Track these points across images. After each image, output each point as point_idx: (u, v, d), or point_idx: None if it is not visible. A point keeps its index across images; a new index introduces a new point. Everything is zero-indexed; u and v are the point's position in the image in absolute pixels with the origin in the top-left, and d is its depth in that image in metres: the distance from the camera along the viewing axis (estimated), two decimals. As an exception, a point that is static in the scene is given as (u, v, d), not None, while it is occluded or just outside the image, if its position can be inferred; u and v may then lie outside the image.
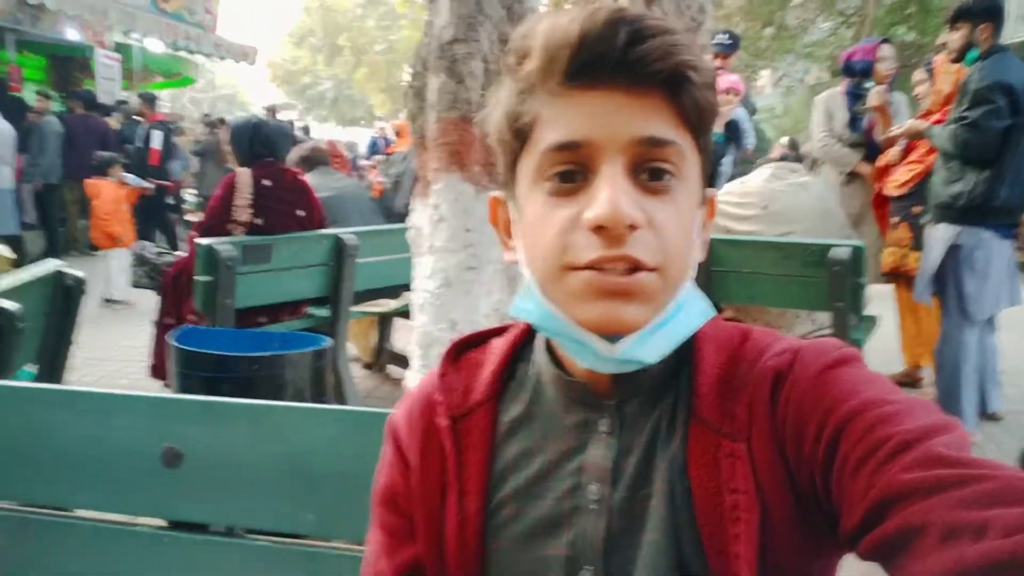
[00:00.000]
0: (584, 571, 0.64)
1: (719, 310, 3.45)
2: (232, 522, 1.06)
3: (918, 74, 3.95)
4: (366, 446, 1.01)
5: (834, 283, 2.97)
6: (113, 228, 6.14)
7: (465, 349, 0.77)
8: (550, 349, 0.71)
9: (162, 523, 1.08)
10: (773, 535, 0.60)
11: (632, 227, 0.58)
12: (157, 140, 8.65)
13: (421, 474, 0.71)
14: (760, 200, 3.40)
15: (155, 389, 3.65)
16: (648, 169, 0.60)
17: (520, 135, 0.64)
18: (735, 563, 0.59)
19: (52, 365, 2.26)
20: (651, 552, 0.62)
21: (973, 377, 3.28)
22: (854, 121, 4.21)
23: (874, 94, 3.99)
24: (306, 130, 8.14)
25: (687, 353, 0.66)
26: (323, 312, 3.59)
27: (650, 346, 0.61)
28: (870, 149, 4.16)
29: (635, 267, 0.58)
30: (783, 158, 4.49)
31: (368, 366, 4.51)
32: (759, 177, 3.53)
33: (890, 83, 4.16)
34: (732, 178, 4.58)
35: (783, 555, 0.60)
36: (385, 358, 4.45)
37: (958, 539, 0.47)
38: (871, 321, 3.62)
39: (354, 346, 4.41)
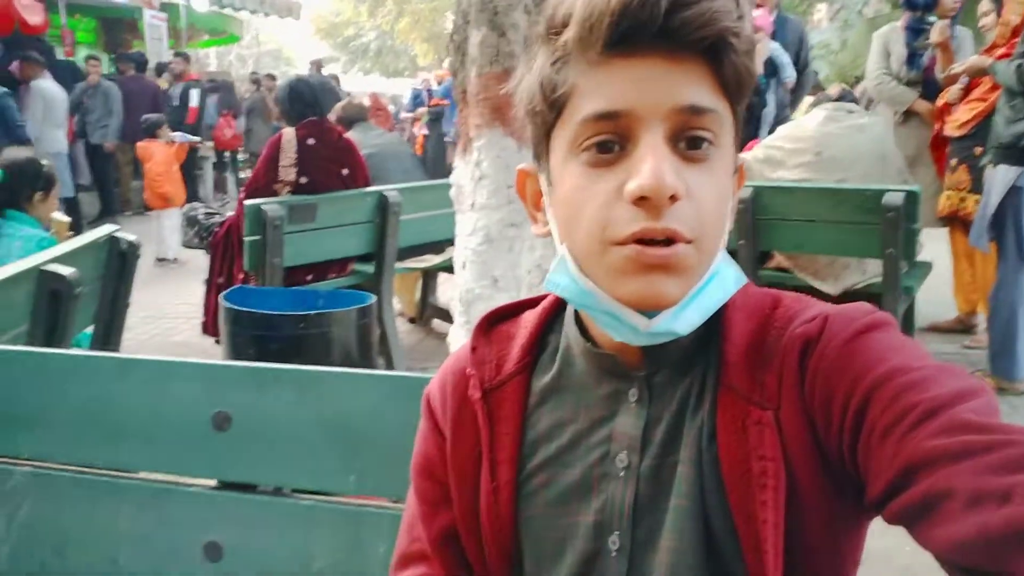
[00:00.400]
0: (612, 535, 0.65)
1: (770, 257, 3.39)
2: (279, 482, 1.10)
3: (984, 4, 3.71)
4: (406, 410, 1.03)
5: (887, 229, 2.90)
6: (165, 188, 6.29)
7: (497, 321, 0.78)
8: (579, 321, 0.71)
9: (213, 483, 1.12)
10: (800, 502, 0.60)
11: (674, 198, 0.57)
12: (195, 98, 8.75)
13: (455, 445, 0.73)
14: (814, 145, 3.26)
15: (208, 345, 3.77)
16: (687, 137, 0.59)
17: (555, 105, 0.63)
18: (763, 528, 0.60)
19: (109, 327, 2.35)
20: (677, 516, 0.63)
21: None
22: (912, 58, 4.03)
23: (937, 29, 3.79)
24: (336, 80, 8.15)
25: (717, 322, 0.66)
26: (368, 269, 3.64)
27: (684, 318, 0.61)
28: (929, 87, 3.98)
29: (673, 239, 0.58)
30: (841, 97, 4.20)
31: (413, 320, 4.58)
32: (813, 120, 3.38)
33: (954, 17, 3.96)
34: (777, 117, 4.46)
35: (810, 521, 0.61)
36: (430, 312, 4.51)
37: (983, 505, 0.47)
38: (924, 268, 3.52)
39: (399, 301, 4.47)
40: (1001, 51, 3.39)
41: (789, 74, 4.42)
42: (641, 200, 0.57)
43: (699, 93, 0.59)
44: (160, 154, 6.37)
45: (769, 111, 4.33)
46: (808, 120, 3.44)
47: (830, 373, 0.59)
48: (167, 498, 1.13)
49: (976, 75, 3.46)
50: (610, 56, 0.59)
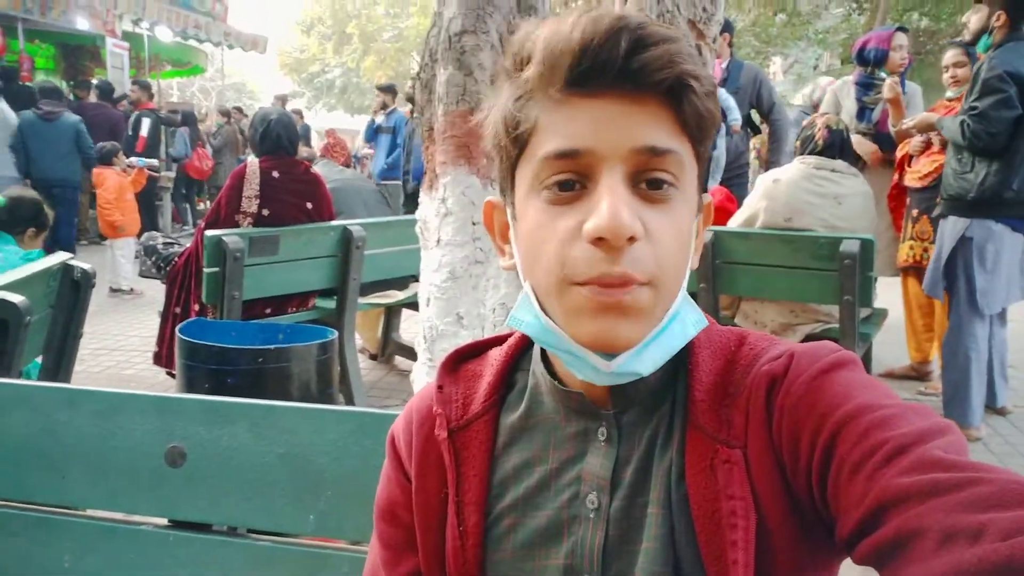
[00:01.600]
0: None
1: (718, 300, 3.38)
2: (234, 522, 1.06)
3: (955, 55, 3.70)
4: (368, 447, 1.01)
5: (844, 276, 2.96)
6: (115, 217, 6.16)
7: (463, 359, 0.77)
8: (545, 359, 0.70)
9: (164, 522, 1.08)
10: (770, 541, 0.60)
11: (632, 239, 0.57)
12: (145, 127, 8.66)
13: (420, 486, 0.71)
14: (785, 210, 3.15)
15: (161, 378, 3.67)
16: (647, 179, 0.60)
17: (518, 141, 0.63)
18: (733, 569, 0.59)
19: (59, 358, 2.27)
20: (648, 559, 0.62)
21: (982, 371, 3.26)
22: (863, 112, 4.16)
23: (887, 85, 3.93)
24: (299, 115, 8.32)
25: (683, 360, 0.66)
26: (330, 304, 3.59)
27: (645, 358, 0.60)
28: (881, 140, 4.11)
29: (629, 283, 0.58)
30: (832, 141, 3.29)
31: (374, 357, 4.52)
32: (788, 184, 3.18)
33: (903, 72, 4.11)
34: (734, 164, 4.52)
35: (780, 561, 0.60)
36: (392, 349, 4.46)
37: (955, 543, 0.47)
38: (881, 314, 3.60)
39: (361, 337, 4.41)
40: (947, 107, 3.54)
41: (735, 117, 4.51)
42: (599, 240, 0.57)
43: (658, 134, 0.59)
44: (112, 181, 6.25)
45: (719, 155, 4.40)
46: (784, 185, 3.20)
47: (797, 410, 0.59)
48: (115, 537, 1.08)
49: (925, 130, 3.57)
50: (571, 95, 0.59)
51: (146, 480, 1.07)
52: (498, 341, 0.77)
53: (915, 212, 3.75)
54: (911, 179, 3.75)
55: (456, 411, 0.72)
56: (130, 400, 1.10)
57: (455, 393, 0.73)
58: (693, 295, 3.27)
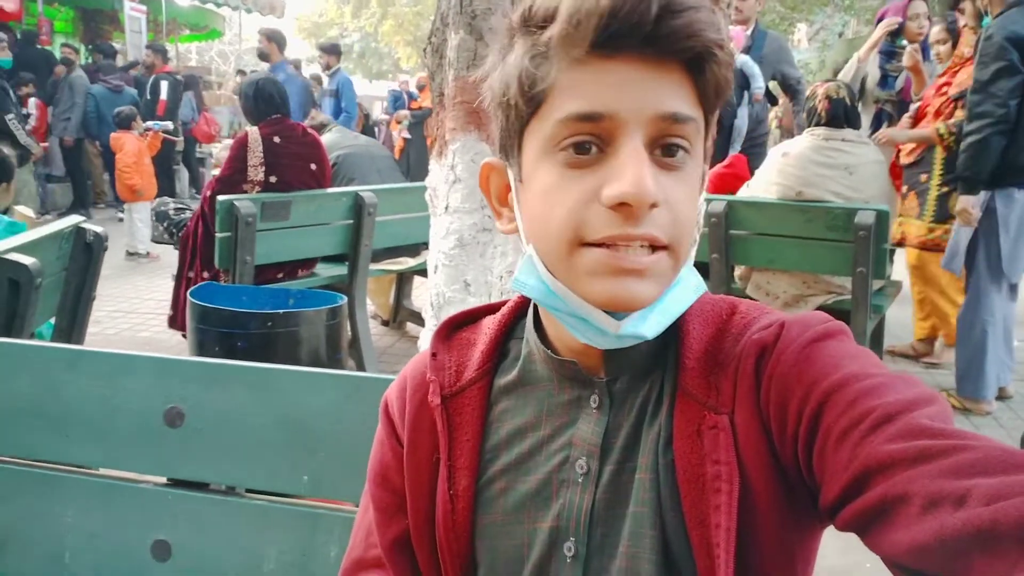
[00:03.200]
0: (568, 541, 0.65)
1: (731, 270, 3.36)
2: (232, 481, 1.08)
3: (938, 32, 3.72)
4: (363, 411, 1.02)
5: (858, 248, 2.93)
6: (134, 180, 6.21)
7: (457, 327, 0.77)
8: (539, 328, 0.70)
9: (163, 480, 1.10)
10: (754, 507, 0.60)
11: (653, 206, 0.57)
12: (164, 91, 8.68)
13: (412, 451, 0.72)
14: (796, 184, 3.12)
15: (175, 341, 3.72)
16: (663, 145, 0.59)
17: (533, 101, 0.61)
18: (715, 532, 0.59)
19: (73, 320, 2.30)
20: (633, 523, 0.63)
21: (998, 344, 3.22)
22: (885, 79, 4.09)
23: (907, 54, 3.85)
24: (317, 81, 8.10)
25: (675, 329, 0.65)
26: (342, 269, 3.61)
27: (651, 321, 0.60)
28: (903, 108, 4.04)
29: (652, 246, 0.58)
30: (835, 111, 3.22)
31: (386, 323, 4.55)
32: (799, 157, 3.13)
33: (924, 40, 4.02)
34: (753, 132, 4.46)
35: (763, 527, 0.61)
36: (403, 315, 4.48)
37: (939, 508, 0.47)
38: (894, 286, 3.56)
39: (373, 303, 4.44)
40: (943, 80, 3.46)
41: (758, 85, 4.44)
42: (620, 206, 0.57)
43: (680, 101, 0.59)
44: (130, 145, 6.28)
45: (741, 124, 4.35)
46: (793, 158, 3.17)
47: (786, 379, 0.60)
48: (116, 495, 1.10)
49: (922, 141, 3.51)
50: (593, 57, 0.58)
51: (146, 440, 1.09)
52: (492, 309, 0.77)
53: (904, 188, 3.69)
54: (901, 157, 3.70)
55: (449, 378, 0.72)
56: (131, 361, 1.11)
57: (449, 360, 0.73)
58: (705, 265, 3.26)
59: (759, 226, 3.18)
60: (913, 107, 3.70)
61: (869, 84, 4.10)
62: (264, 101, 3.38)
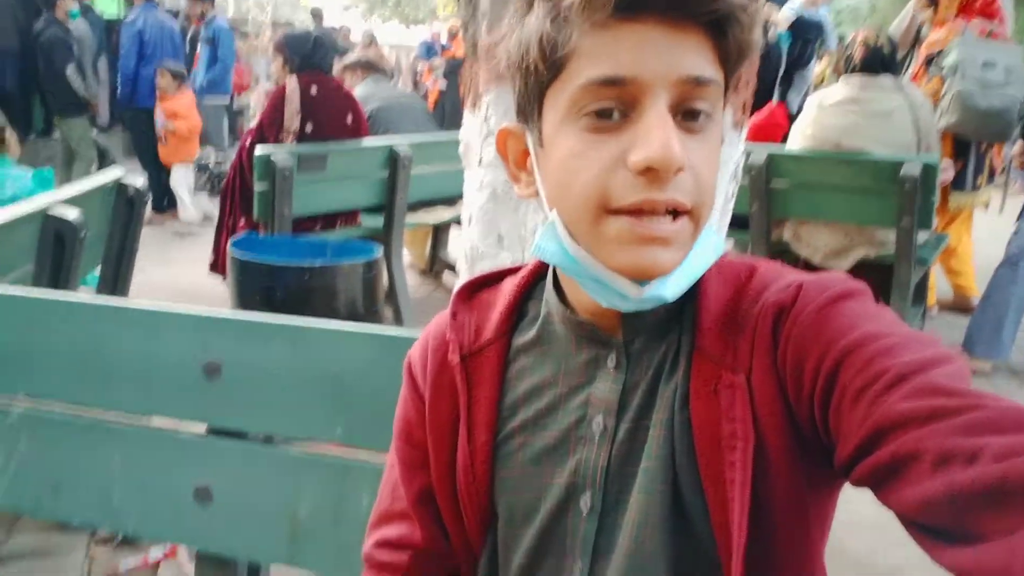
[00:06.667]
0: (584, 496, 0.67)
1: (771, 222, 3.30)
2: (268, 430, 1.12)
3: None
4: (395, 367, 1.04)
5: (904, 200, 2.85)
6: (184, 129, 6.14)
7: (478, 288, 0.78)
8: (558, 289, 0.71)
9: (204, 429, 1.14)
10: (769, 464, 0.61)
11: (679, 170, 0.57)
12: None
13: (433, 408, 0.74)
14: (835, 136, 3.05)
15: (216, 287, 3.79)
16: (685, 108, 0.59)
17: (554, 65, 0.60)
18: (730, 488, 0.60)
19: (117, 270, 2.36)
20: (647, 477, 0.64)
21: (1021, 307, 3.14)
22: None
23: None
24: (345, 34, 7.74)
25: (693, 290, 0.66)
26: (378, 221, 3.63)
27: (671, 283, 0.61)
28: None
29: (675, 210, 0.58)
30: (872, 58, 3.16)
31: (423, 273, 4.59)
32: (835, 106, 3.08)
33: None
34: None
35: (778, 485, 0.61)
36: (440, 266, 4.52)
37: (950, 465, 0.47)
38: (940, 239, 3.47)
39: (410, 253, 4.47)
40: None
41: (832, 42, 4.37)
42: (647, 171, 0.57)
43: (703, 65, 0.58)
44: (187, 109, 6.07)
45: (809, 75, 4.27)
46: (829, 107, 3.12)
47: (803, 339, 0.60)
48: (159, 443, 1.15)
49: None
50: (616, 20, 0.57)
51: (186, 390, 1.13)
52: (513, 271, 0.78)
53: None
54: None
55: (469, 337, 0.73)
56: (170, 317, 1.15)
57: (469, 320, 0.75)
58: (746, 217, 3.21)
59: (801, 177, 3.11)
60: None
61: (925, 33, 3.94)
62: (300, 52, 3.40)
